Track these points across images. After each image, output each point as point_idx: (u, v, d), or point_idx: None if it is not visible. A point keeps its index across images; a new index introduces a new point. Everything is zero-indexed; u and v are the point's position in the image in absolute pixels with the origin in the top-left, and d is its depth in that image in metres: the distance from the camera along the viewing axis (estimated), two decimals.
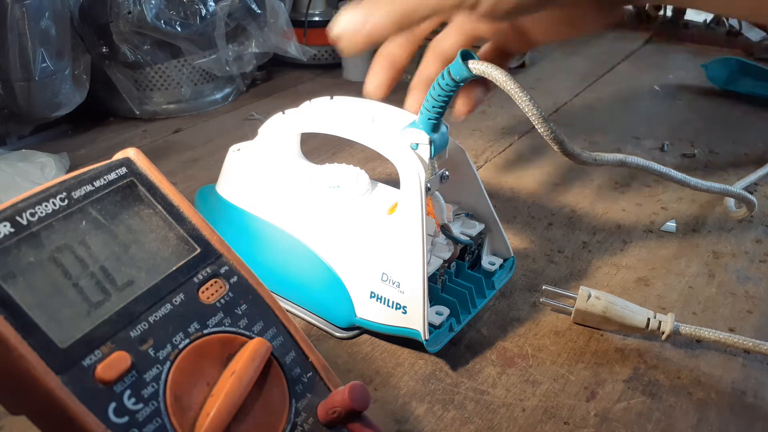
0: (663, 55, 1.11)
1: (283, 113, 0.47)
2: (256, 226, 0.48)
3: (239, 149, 0.52)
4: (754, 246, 0.55)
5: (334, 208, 0.46)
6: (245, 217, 0.48)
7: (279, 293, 0.46)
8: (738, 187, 0.63)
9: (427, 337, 0.40)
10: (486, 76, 0.36)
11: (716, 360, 0.43)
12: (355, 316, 0.43)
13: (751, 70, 0.88)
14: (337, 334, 0.45)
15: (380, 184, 0.49)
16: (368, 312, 0.43)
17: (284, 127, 0.48)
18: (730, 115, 0.85)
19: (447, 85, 0.37)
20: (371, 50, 0.43)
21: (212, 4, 0.81)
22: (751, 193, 0.64)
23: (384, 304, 0.42)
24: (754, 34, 1.10)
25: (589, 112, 0.86)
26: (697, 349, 0.44)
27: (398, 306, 0.41)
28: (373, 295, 0.42)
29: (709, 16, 1.20)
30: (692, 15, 1.21)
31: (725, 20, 1.15)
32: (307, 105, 0.47)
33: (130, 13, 0.75)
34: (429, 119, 0.39)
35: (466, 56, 0.36)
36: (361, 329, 0.45)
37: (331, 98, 0.47)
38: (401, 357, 0.43)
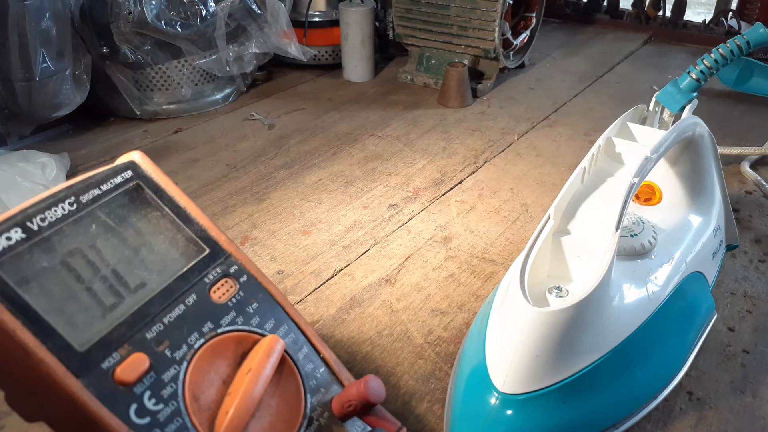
0: (662, 56, 1.12)
1: None
2: None
3: None
4: (753, 246, 0.56)
5: None
6: None
7: None
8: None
9: None
10: None
11: (716, 360, 0.43)
12: None
13: (762, 70, 0.89)
14: None
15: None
16: None
17: None
18: (730, 115, 0.86)
19: (737, 47, 0.38)
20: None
21: (213, 4, 0.81)
22: (750, 194, 0.65)
23: None
24: None
25: (589, 112, 0.87)
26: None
27: None
28: None
29: (709, 16, 1.21)
30: (691, 15, 1.22)
31: (724, 20, 1.16)
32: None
33: (130, 13, 0.75)
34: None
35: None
36: None
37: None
38: (401, 357, 0.43)
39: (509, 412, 0.32)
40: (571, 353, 0.32)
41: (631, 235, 0.39)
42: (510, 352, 0.32)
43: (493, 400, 0.32)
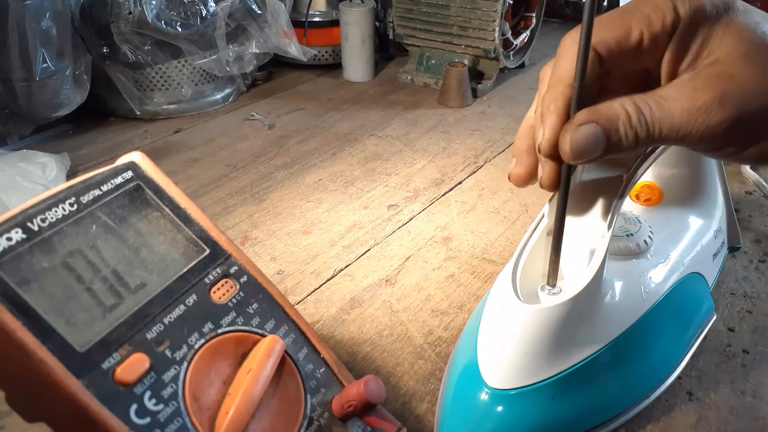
0: None
1: None
2: None
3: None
4: (753, 246, 0.56)
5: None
6: None
7: None
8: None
9: None
10: None
11: (716, 360, 0.43)
12: None
13: None
14: None
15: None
16: None
17: None
18: None
19: None
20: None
21: (213, 4, 0.81)
22: (749, 194, 0.65)
23: None
24: None
25: None
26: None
27: None
28: None
29: None
30: None
31: None
32: None
33: (130, 13, 0.75)
34: None
35: None
36: None
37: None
38: (401, 357, 0.43)
39: (499, 407, 0.32)
40: (561, 350, 0.32)
41: (627, 235, 0.39)
42: (501, 348, 0.32)
43: (483, 395, 0.32)
